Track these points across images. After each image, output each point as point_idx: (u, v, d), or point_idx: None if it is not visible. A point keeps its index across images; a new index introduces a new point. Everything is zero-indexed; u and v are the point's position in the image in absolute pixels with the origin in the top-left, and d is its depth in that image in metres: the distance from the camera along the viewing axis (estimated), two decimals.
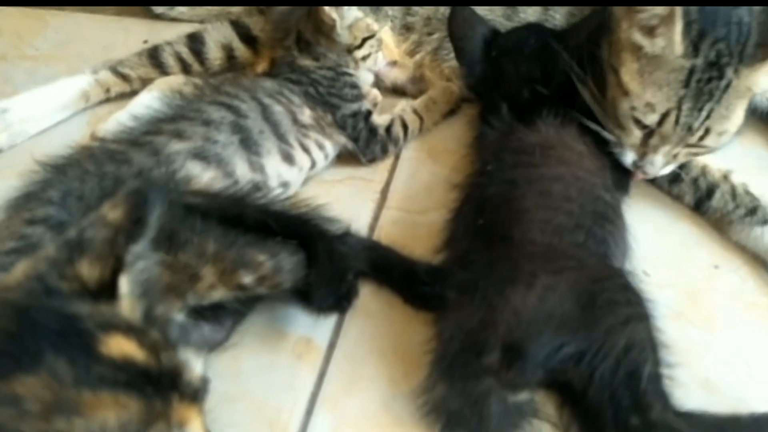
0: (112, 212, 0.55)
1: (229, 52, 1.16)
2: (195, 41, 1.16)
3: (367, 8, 1.16)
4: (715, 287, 0.88)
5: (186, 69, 1.15)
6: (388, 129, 1.04)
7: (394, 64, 1.18)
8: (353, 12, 1.03)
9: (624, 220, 0.84)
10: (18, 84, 1.19)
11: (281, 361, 0.78)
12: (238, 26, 1.17)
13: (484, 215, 0.78)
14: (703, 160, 0.95)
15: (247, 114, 0.92)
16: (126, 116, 0.99)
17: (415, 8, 1.17)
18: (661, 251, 0.91)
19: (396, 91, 1.19)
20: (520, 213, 0.76)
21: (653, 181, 0.98)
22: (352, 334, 0.81)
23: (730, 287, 0.88)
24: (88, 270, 0.53)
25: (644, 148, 0.87)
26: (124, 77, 1.15)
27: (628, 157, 0.89)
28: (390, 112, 1.08)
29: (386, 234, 0.94)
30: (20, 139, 1.07)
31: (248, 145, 0.90)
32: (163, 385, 0.51)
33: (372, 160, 1.04)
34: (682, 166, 0.94)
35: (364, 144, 1.02)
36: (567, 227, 0.75)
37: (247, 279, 0.71)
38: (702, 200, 0.95)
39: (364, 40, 1.05)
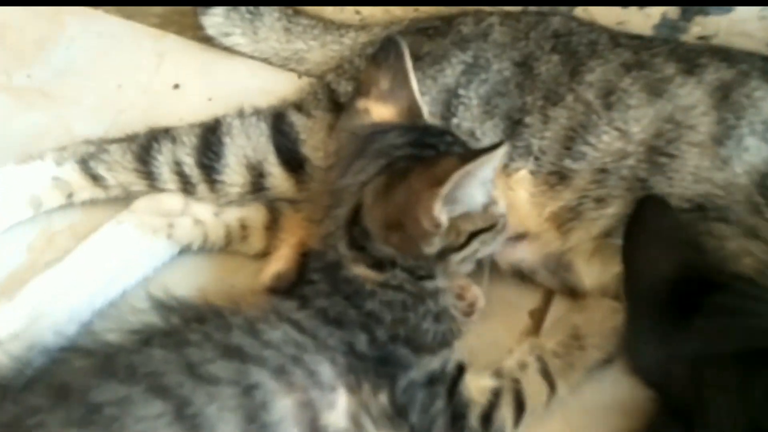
0: None
1: (256, 176, 0.70)
2: (207, 148, 0.71)
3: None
4: None
5: (187, 189, 0.71)
6: (487, 416, 0.56)
7: (522, 237, 0.69)
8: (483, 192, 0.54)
9: None
10: None
11: None
12: (280, 130, 0.71)
13: None
14: None
15: (209, 419, 0.46)
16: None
17: (584, 148, 0.67)
18: None
19: (517, 275, 0.70)
20: None
21: None
22: None
23: None
24: None
25: None
26: (97, 180, 0.73)
27: None
28: (495, 370, 0.59)
29: None
30: None
31: None
32: None
33: None
34: None
35: None
36: None
37: None
38: None
39: (474, 234, 0.56)
